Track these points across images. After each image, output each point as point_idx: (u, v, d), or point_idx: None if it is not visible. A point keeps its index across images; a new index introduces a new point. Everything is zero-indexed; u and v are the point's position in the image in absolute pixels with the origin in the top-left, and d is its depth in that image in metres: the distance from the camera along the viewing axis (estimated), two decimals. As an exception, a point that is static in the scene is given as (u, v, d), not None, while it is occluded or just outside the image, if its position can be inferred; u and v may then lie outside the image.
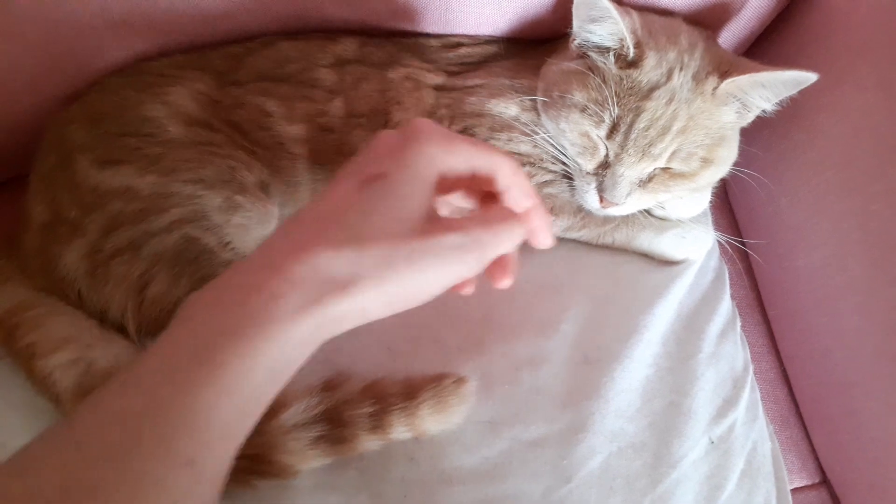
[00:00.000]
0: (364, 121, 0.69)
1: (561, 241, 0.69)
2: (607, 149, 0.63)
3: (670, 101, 0.60)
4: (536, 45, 0.77)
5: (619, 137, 0.61)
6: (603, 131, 0.62)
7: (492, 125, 0.69)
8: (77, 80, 0.69)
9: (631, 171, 0.62)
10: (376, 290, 0.40)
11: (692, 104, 0.60)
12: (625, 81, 0.62)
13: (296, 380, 0.42)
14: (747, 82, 0.59)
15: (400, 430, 0.54)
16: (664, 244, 0.66)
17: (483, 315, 0.63)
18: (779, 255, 0.78)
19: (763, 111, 0.62)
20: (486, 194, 0.49)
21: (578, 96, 0.63)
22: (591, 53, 0.63)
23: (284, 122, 0.68)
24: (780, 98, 0.60)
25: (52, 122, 0.67)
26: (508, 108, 0.69)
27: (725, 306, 0.67)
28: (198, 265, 0.61)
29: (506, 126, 0.68)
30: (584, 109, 0.62)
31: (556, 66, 0.66)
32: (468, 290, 0.49)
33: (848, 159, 0.65)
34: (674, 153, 0.61)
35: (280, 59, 0.71)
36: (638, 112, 0.61)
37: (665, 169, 0.63)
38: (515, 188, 0.46)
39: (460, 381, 0.56)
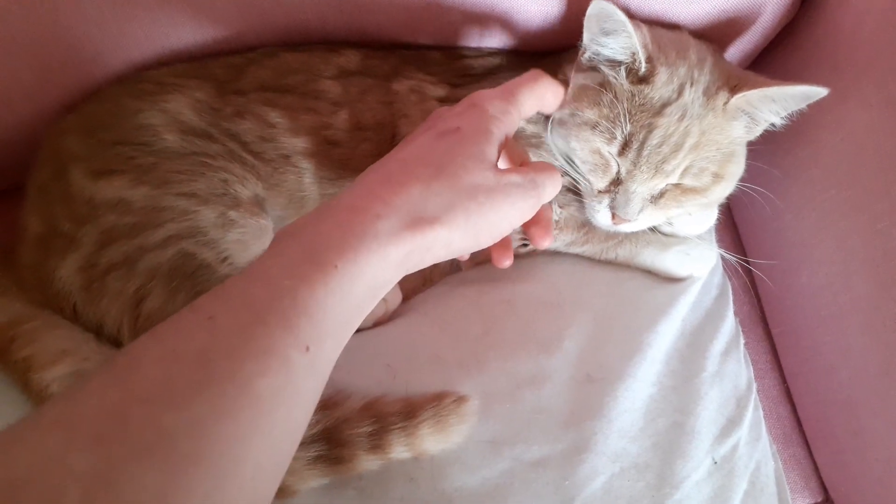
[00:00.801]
0: (371, 134, 0.69)
1: (563, 256, 0.68)
2: (619, 166, 0.62)
3: (682, 117, 0.60)
4: (540, 57, 0.77)
5: (631, 154, 0.61)
6: (615, 148, 0.61)
7: None
8: (75, 90, 0.69)
9: (643, 187, 0.61)
10: (464, 221, 0.45)
11: (704, 120, 0.60)
12: (637, 97, 0.61)
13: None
14: (757, 97, 0.59)
15: (399, 450, 0.53)
16: (668, 261, 0.65)
17: (484, 332, 0.62)
18: (783, 272, 0.77)
19: (772, 125, 0.62)
20: (521, 161, 0.57)
21: (589, 113, 0.62)
22: (601, 67, 0.63)
23: (289, 134, 0.68)
24: (789, 112, 0.60)
25: (48, 133, 0.66)
26: None
27: (729, 324, 0.66)
28: (195, 280, 0.60)
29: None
30: (595, 126, 0.61)
31: (574, 81, 0.65)
32: (507, 262, 0.56)
33: (853, 177, 0.64)
34: (686, 169, 0.61)
35: (283, 70, 0.70)
36: (650, 129, 0.60)
37: (677, 185, 0.63)
38: None
39: (461, 400, 0.55)
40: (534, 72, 0.57)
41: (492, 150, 0.49)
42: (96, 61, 0.67)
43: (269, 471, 0.36)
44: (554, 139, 0.66)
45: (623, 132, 0.61)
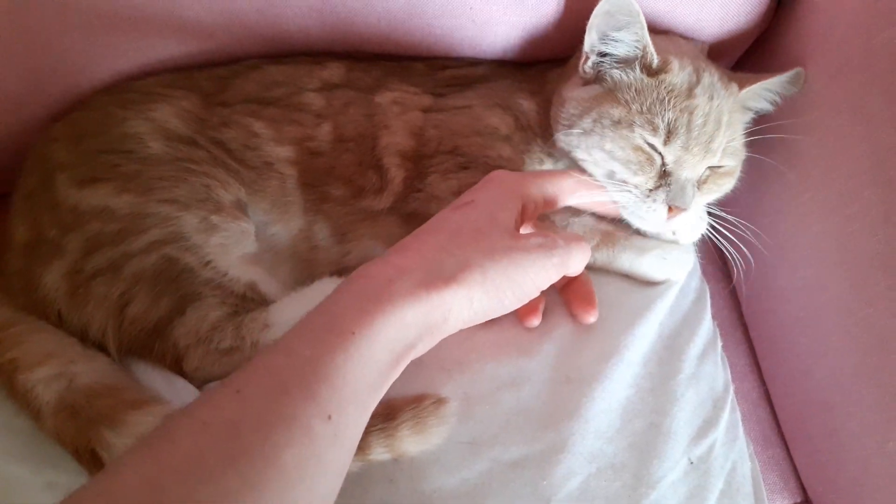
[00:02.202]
0: (352, 145, 0.70)
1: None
2: (662, 157, 0.62)
3: (711, 96, 0.62)
4: (524, 68, 0.78)
5: (679, 139, 0.61)
6: (660, 138, 0.61)
7: (482, 144, 0.69)
8: (62, 100, 0.70)
9: (693, 172, 0.62)
10: (482, 279, 0.46)
11: (727, 100, 0.63)
12: (661, 87, 0.62)
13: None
14: (759, 89, 0.65)
15: (379, 452, 0.54)
16: (645, 265, 0.66)
17: (465, 335, 0.62)
18: (761, 276, 0.78)
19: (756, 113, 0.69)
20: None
21: (619, 112, 0.62)
22: (611, 72, 0.63)
23: (273, 144, 0.69)
24: (780, 100, 0.68)
25: (35, 142, 0.67)
26: (499, 127, 0.69)
27: (706, 327, 0.67)
28: (178, 284, 0.61)
29: (497, 144, 0.69)
30: (631, 124, 0.61)
31: (573, 96, 0.66)
32: (535, 321, 0.60)
33: (826, 181, 0.65)
34: (724, 149, 0.63)
35: (267, 83, 0.72)
36: (691, 110, 0.61)
37: (713, 168, 0.64)
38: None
39: (440, 401, 0.56)
40: (562, 171, 0.62)
41: (508, 216, 0.50)
42: (83, 71, 0.69)
43: None
44: (579, 154, 0.65)
45: (665, 120, 0.61)
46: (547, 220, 0.67)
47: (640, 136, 0.61)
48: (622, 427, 0.58)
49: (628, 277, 0.67)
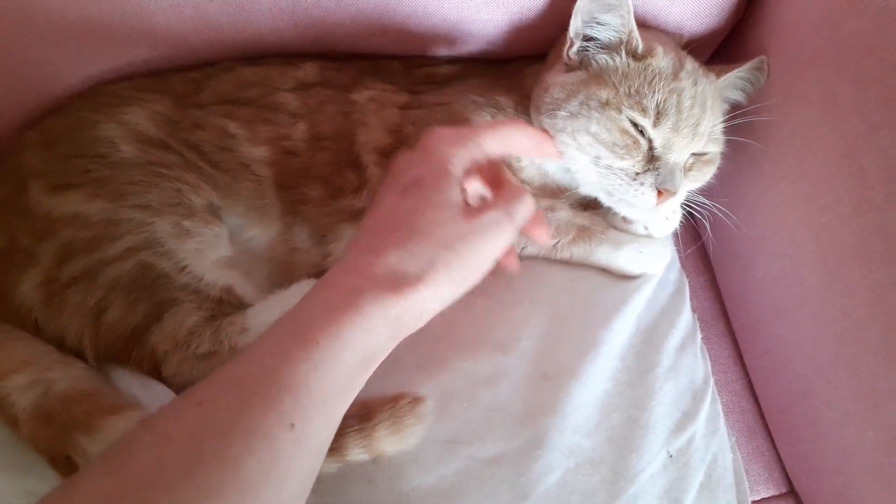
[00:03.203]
0: (329, 143, 0.70)
1: (519, 257, 0.69)
2: (650, 140, 0.62)
3: (695, 81, 0.63)
4: (500, 65, 0.78)
5: (669, 121, 0.61)
6: (650, 120, 0.61)
7: None
8: (35, 107, 0.70)
9: (681, 155, 0.62)
10: (447, 274, 0.47)
11: (710, 85, 0.64)
12: (648, 70, 0.62)
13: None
14: (733, 77, 0.67)
15: (356, 452, 0.54)
16: (622, 259, 0.66)
17: (442, 332, 0.63)
18: (740, 267, 0.79)
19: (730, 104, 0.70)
20: (496, 179, 0.58)
21: (606, 94, 0.61)
22: (596, 57, 0.63)
23: (248, 144, 0.69)
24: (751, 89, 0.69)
25: (9, 149, 0.67)
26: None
27: (685, 319, 0.67)
28: (154, 290, 0.61)
29: None
30: (619, 106, 0.61)
31: (557, 81, 0.65)
32: (514, 265, 0.58)
33: (799, 171, 0.66)
34: (709, 134, 0.64)
35: (241, 84, 0.71)
36: (679, 92, 0.61)
37: (696, 155, 0.65)
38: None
39: (417, 400, 0.56)
40: (503, 120, 0.63)
41: (455, 192, 0.50)
42: (55, 78, 0.68)
43: None
44: (564, 137, 0.63)
45: (654, 101, 0.61)
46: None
47: (629, 117, 0.61)
48: (600, 421, 0.59)
49: (605, 272, 0.67)
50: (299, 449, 0.39)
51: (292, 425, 0.38)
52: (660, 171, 0.61)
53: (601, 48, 0.64)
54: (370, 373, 0.45)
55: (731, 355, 0.81)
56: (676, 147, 0.62)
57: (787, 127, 0.67)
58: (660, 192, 0.61)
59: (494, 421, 0.58)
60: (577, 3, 0.61)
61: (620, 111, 0.61)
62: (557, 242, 0.67)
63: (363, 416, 0.55)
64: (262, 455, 0.37)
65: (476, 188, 0.56)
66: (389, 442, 0.55)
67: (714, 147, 0.66)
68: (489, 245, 0.50)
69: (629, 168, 0.62)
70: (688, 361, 0.64)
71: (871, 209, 0.57)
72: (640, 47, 0.63)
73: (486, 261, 0.50)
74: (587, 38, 0.64)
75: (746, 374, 0.80)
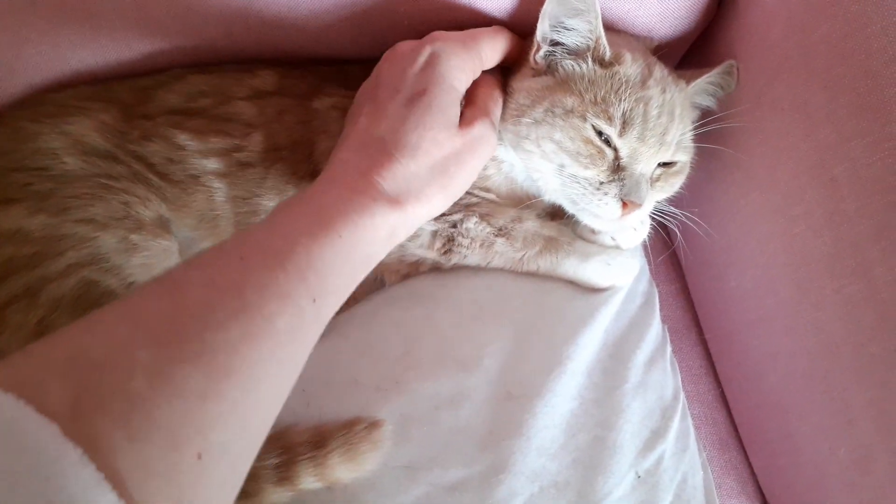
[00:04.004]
0: (286, 153, 0.67)
1: (486, 270, 0.67)
2: (616, 150, 0.60)
3: (664, 89, 0.61)
4: None
5: (635, 130, 0.59)
6: (615, 129, 0.59)
7: None
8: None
9: (647, 165, 0.61)
10: (440, 192, 0.53)
11: (679, 94, 0.63)
12: (615, 78, 0.60)
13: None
14: (703, 83, 0.65)
15: (309, 481, 0.52)
16: (589, 271, 0.64)
17: (403, 352, 0.61)
18: (712, 277, 0.77)
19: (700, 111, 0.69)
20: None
21: (572, 102, 0.59)
22: (563, 63, 0.62)
23: (198, 156, 0.65)
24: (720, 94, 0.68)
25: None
26: None
27: (654, 332, 0.65)
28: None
29: None
30: (584, 114, 0.59)
31: (523, 86, 0.63)
32: None
33: (771, 181, 0.64)
34: (677, 143, 0.62)
35: (192, 93, 0.68)
36: (646, 101, 0.60)
37: (664, 165, 0.63)
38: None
39: (373, 425, 0.54)
40: (496, 27, 0.62)
41: (456, 109, 0.55)
42: (-7, 85, 0.65)
43: (275, 398, 0.41)
44: (527, 145, 0.62)
45: (620, 110, 0.59)
46: (485, 220, 0.65)
47: (594, 125, 0.59)
48: (566, 442, 0.56)
49: (572, 284, 0.65)
50: (314, 320, 0.44)
51: (314, 300, 0.43)
52: (625, 181, 0.59)
53: (568, 53, 0.62)
54: (366, 273, 0.50)
55: (704, 365, 0.79)
56: (643, 157, 0.60)
57: (758, 134, 0.65)
58: (625, 204, 0.59)
59: (456, 444, 0.55)
60: (545, 7, 0.59)
61: (585, 119, 0.59)
62: (524, 255, 0.65)
63: (316, 443, 0.53)
64: (291, 318, 0.41)
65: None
66: (344, 469, 0.53)
67: (683, 156, 0.64)
68: (478, 160, 0.56)
69: (593, 178, 0.60)
70: (657, 376, 0.62)
71: (844, 221, 0.56)
72: (608, 54, 0.61)
73: (474, 175, 0.57)
74: (554, 43, 0.62)
75: (719, 384, 0.78)
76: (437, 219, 0.64)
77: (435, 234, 0.65)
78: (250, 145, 0.66)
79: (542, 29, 0.61)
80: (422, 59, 0.56)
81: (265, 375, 0.39)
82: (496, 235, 0.65)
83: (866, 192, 0.53)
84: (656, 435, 0.59)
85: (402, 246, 0.64)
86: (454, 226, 0.65)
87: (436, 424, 0.56)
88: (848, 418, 0.59)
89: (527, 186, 0.68)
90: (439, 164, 0.53)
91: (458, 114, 0.55)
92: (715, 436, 0.76)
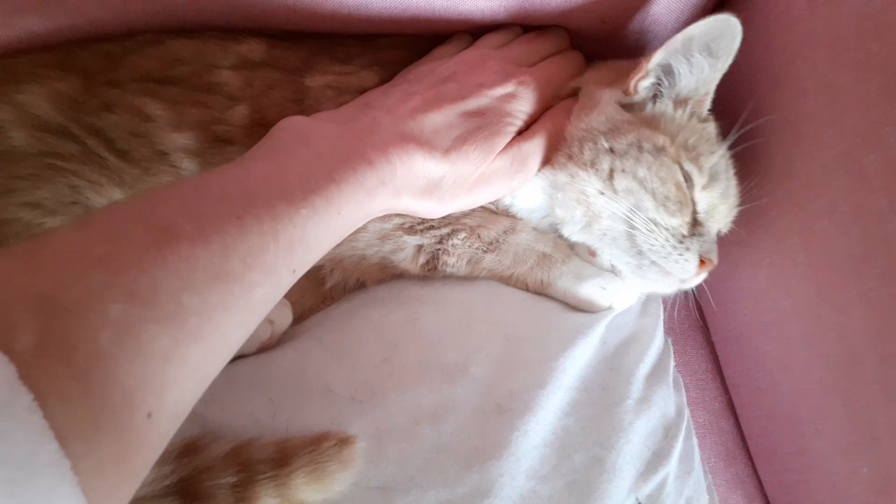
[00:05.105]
0: None
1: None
2: (694, 203, 0.55)
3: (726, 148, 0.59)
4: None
5: (719, 187, 0.56)
6: (703, 180, 0.55)
7: None
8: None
9: (720, 224, 0.59)
10: (451, 201, 0.54)
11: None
12: (705, 130, 0.57)
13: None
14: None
15: (270, 503, 0.46)
16: (583, 294, 0.58)
17: (383, 358, 0.55)
18: (722, 274, 0.70)
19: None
20: None
21: (663, 141, 0.55)
22: (660, 101, 0.57)
23: (168, 129, 0.59)
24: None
25: None
26: None
27: (657, 344, 0.59)
28: None
29: None
30: (677, 157, 0.54)
31: (608, 108, 0.57)
32: None
33: (790, 170, 0.58)
34: None
35: (169, 60, 0.61)
36: (727, 159, 0.58)
37: None
38: None
39: (343, 441, 0.48)
40: (576, 54, 0.65)
41: (502, 142, 0.55)
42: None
43: (228, 358, 0.41)
44: (587, 175, 0.56)
45: (710, 162, 0.56)
46: (475, 234, 0.60)
47: (685, 171, 0.54)
48: (559, 464, 0.50)
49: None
50: (284, 290, 0.44)
51: (294, 271, 0.43)
52: (704, 237, 0.55)
53: (678, 99, 0.57)
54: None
55: (710, 370, 0.74)
56: (719, 215, 0.57)
57: (775, 120, 0.59)
58: (702, 261, 0.55)
59: (437, 464, 0.49)
60: (686, 31, 0.53)
61: (677, 162, 0.54)
62: (513, 273, 0.59)
63: (279, 460, 0.47)
64: (269, 288, 0.41)
65: None
66: (310, 491, 0.47)
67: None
68: (492, 192, 0.56)
69: (677, 228, 0.55)
70: (660, 392, 0.56)
71: (873, 218, 0.50)
72: (705, 112, 0.57)
73: (486, 200, 0.58)
74: (664, 74, 0.57)
75: (726, 391, 0.73)
76: (423, 231, 0.59)
77: (420, 248, 0.60)
78: (232, 119, 0.60)
79: (662, 57, 0.55)
80: (501, 91, 0.56)
81: (230, 341, 0.39)
82: (485, 251, 0.59)
83: (902, 187, 0.47)
84: (659, 456, 0.54)
85: (384, 257, 0.60)
86: (440, 241, 0.59)
87: (415, 440, 0.50)
88: (872, 435, 0.53)
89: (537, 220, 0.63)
90: (467, 183, 0.54)
91: (502, 147, 0.55)
92: (721, 446, 0.71)
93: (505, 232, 0.59)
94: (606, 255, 0.58)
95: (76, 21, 0.60)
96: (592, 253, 0.60)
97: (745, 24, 0.61)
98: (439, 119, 0.53)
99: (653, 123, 0.56)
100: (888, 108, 0.48)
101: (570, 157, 0.57)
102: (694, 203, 0.55)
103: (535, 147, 0.57)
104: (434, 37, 0.66)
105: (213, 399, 0.49)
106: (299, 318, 0.61)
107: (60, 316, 0.31)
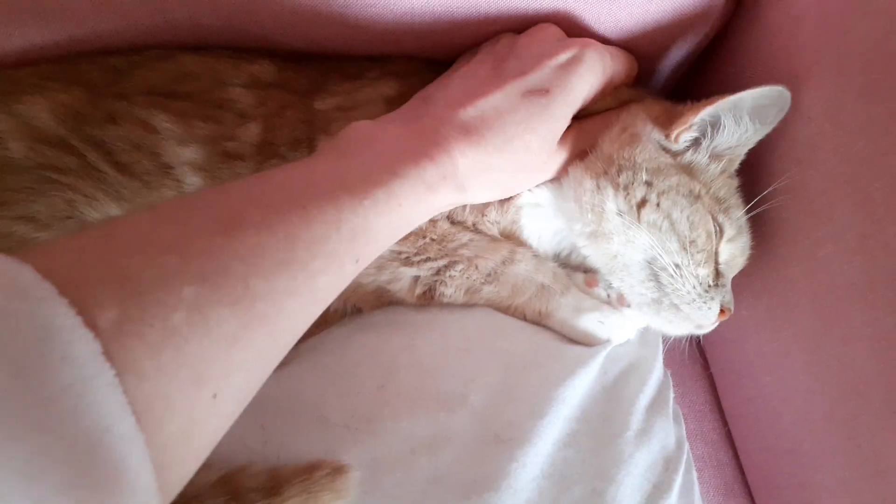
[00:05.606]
0: (284, 150, 0.60)
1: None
2: (717, 253, 0.55)
3: None
4: None
5: (742, 240, 0.57)
6: (731, 232, 0.56)
7: None
8: None
9: (733, 275, 0.58)
10: (501, 192, 0.55)
11: None
12: (732, 184, 0.58)
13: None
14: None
15: (259, 535, 0.44)
16: (580, 327, 0.57)
17: (379, 385, 0.53)
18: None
19: None
20: None
21: (698, 188, 0.55)
22: (699, 153, 0.57)
23: (174, 143, 0.58)
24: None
25: None
26: None
27: (657, 375, 0.58)
28: None
29: None
30: (711, 208, 0.55)
31: (649, 147, 0.56)
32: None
33: (792, 197, 0.57)
34: None
35: (180, 75, 0.61)
36: (746, 214, 0.58)
37: None
38: None
39: (337, 471, 0.46)
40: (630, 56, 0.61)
41: (566, 123, 0.54)
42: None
43: (291, 344, 0.42)
44: (619, 203, 0.55)
45: (738, 215, 0.57)
46: (473, 266, 0.59)
47: (717, 222, 0.55)
48: (559, 496, 0.49)
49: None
50: (348, 279, 0.44)
51: (357, 261, 0.44)
52: (725, 287, 0.56)
53: (713, 155, 0.58)
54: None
55: (708, 401, 0.73)
56: (736, 267, 0.58)
57: (778, 147, 0.58)
58: (722, 310, 0.55)
59: (433, 496, 0.47)
60: (736, 96, 0.53)
61: (710, 212, 0.54)
62: (511, 304, 0.58)
63: (270, 489, 0.45)
64: (332, 277, 0.41)
65: None
66: (301, 522, 0.45)
67: None
68: (540, 176, 0.56)
69: (704, 277, 0.54)
70: (660, 423, 0.55)
71: (879, 246, 0.49)
72: (736, 167, 0.59)
73: (518, 188, 0.57)
74: (709, 127, 0.57)
75: (725, 423, 0.72)
76: (419, 263, 0.58)
77: (416, 280, 0.59)
78: (243, 136, 0.59)
79: (709, 112, 0.55)
80: (564, 56, 0.53)
81: (294, 327, 0.40)
82: (483, 283, 0.58)
83: (909, 216, 0.46)
84: (659, 489, 0.52)
85: (380, 286, 0.59)
86: (437, 272, 0.58)
87: (411, 471, 0.49)
88: (877, 469, 0.52)
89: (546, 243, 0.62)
90: (515, 169, 0.53)
91: (563, 130, 0.54)
92: (720, 479, 0.69)
93: (503, 262, 0.58)
94: (616, 282, 0.57)
95: (76, 33, 0.59)
96: (590, 283, 0.59)
97: (751, 50, 0.62)
98: (501, 101, 0.51)
99: (689, 170, 0.56)
100: (895, 135, 0.47)
101: (604, 173, 0.55)
102: (717, 254, 0.55)
103: (590, 141, 0.57)
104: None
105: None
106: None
107: (138, 297, 0.32)
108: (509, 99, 0.51)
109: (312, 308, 0.42)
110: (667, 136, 0.56)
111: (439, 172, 0.48)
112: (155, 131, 0.58)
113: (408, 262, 0.58)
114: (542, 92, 0.51)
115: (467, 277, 0.58)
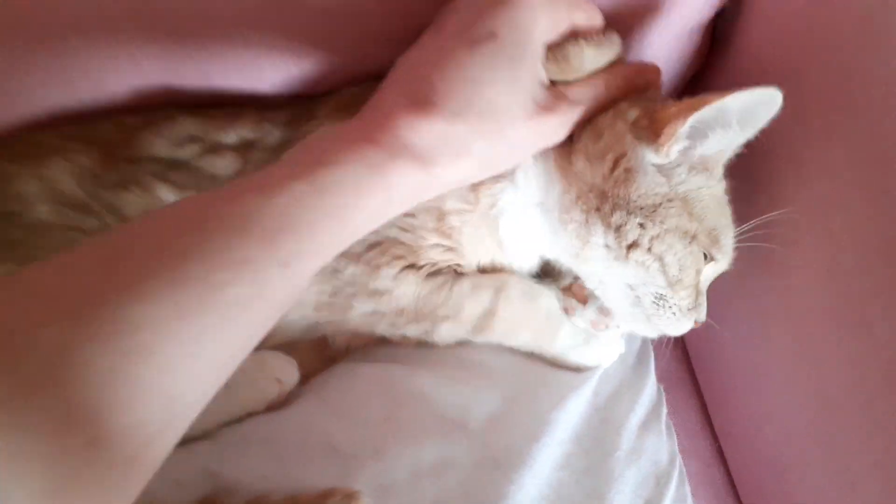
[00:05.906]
0: None
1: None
2: (699, 276, 0.55)
3: None
4: None
5: (725, 261, 0.57)
6: (720, 257, 0.56)
7: None
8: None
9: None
10: (479, 165, 0.46)
11: None
12: (724, 201, 0.58)
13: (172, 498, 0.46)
14: None
15: (278, 559, 0.48)
16: (572, 360, 0.61)
17: (386, 415, 0.57)
18: (706, 325, 0.74)
19: None
20: None
21: (694, 228, 0.52)
22: (682, 172, 0.53)
23: None
24: None
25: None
26: None
27: (649, 393, 0.62)
28: None
29: None
30: (707, 248, 0.54)
31: (648, 180, 0.52)
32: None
33: (766, 229, 0.61)
34: None
35: (179, 138, 0.63)
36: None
37: None
38: None
39: (349, 497, 0.50)
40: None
41: (531, 66, 0.46)
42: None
43: (224, 365, 0.38)
44: (605, 239, 0.53)
45: (726, 237, 0.56)
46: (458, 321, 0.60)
47: (710, 255, 0.55)
48: (554, 516, 0.53)
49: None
50: (286, 283, 0.40)
51: (287, 265, 0.39)
52: (701, 305, 0.57)
53: (692, 168, 0.54)
54: (370, 230, 0.45)
55: (700, 420, 0.76)
56: (710, 279, 0.58)
57: (748, 182, 0.62)
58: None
59: (438, 518, 0.52)
60: (727, 102, 0.48)
61: (704, 249, 0.54)
62: (501, 343, 0.61)
63: (289, 514, 0.49)
64: (248, 286, 0.37)
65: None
66: (317, 545, 0.49)
67: None
68: (535, 148, 0.49)
69: (683, 303, 0.55)
70: (651, 441, 0.59)
71: (843, 275, 0.53)
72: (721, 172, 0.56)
73: (525, 158, 0.50)
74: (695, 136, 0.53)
75: (716, 439, 0.75)
76: (405, 325, 0.60)
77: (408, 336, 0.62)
78: None
79: (702, 117, 0.49)
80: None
81: (202, 350, 0.36)
82: (473, 334, 0.60)
83: (865, 248, 0.50)
84: (651, 505, 0.56)
85: (378, 333, 0.61)
86: (426, 332, 0.61)
87: (416, 494, 0.52)
88: (851, 481, 0.56)
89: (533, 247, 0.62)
90: (491, 136, 0.44)
91: (534, 71, 0.45)
92: (713, 494, 0.73)
93: (486, 315, 0.59)
94: (598, 293, 0.58)
95: (97, 94, 0.63)
96: (569, 311, 0.60)
97: (711, 87, 0.66)
98: (447, 63, 0.45)
99: (686, 202, 0.52)
100: (852, 174, 0.51)
101: (596, 209, 0.53)
102: (699, 274, 0.55)
103: (579, 114, 0.50)
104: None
105: (227, 456, 0.52)
106: (306, 378, 0.64)
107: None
108: (457, 57, 0.44)
109: (226, 325, 0.37)
110: (656, 151, 0.51)
111: (385, 153, 0.42)
112: (160, 200, 0.61)
113: (394, 326, 0.60)
114: (488, 37, 0.44)
115: (456, 332, 0.60)
